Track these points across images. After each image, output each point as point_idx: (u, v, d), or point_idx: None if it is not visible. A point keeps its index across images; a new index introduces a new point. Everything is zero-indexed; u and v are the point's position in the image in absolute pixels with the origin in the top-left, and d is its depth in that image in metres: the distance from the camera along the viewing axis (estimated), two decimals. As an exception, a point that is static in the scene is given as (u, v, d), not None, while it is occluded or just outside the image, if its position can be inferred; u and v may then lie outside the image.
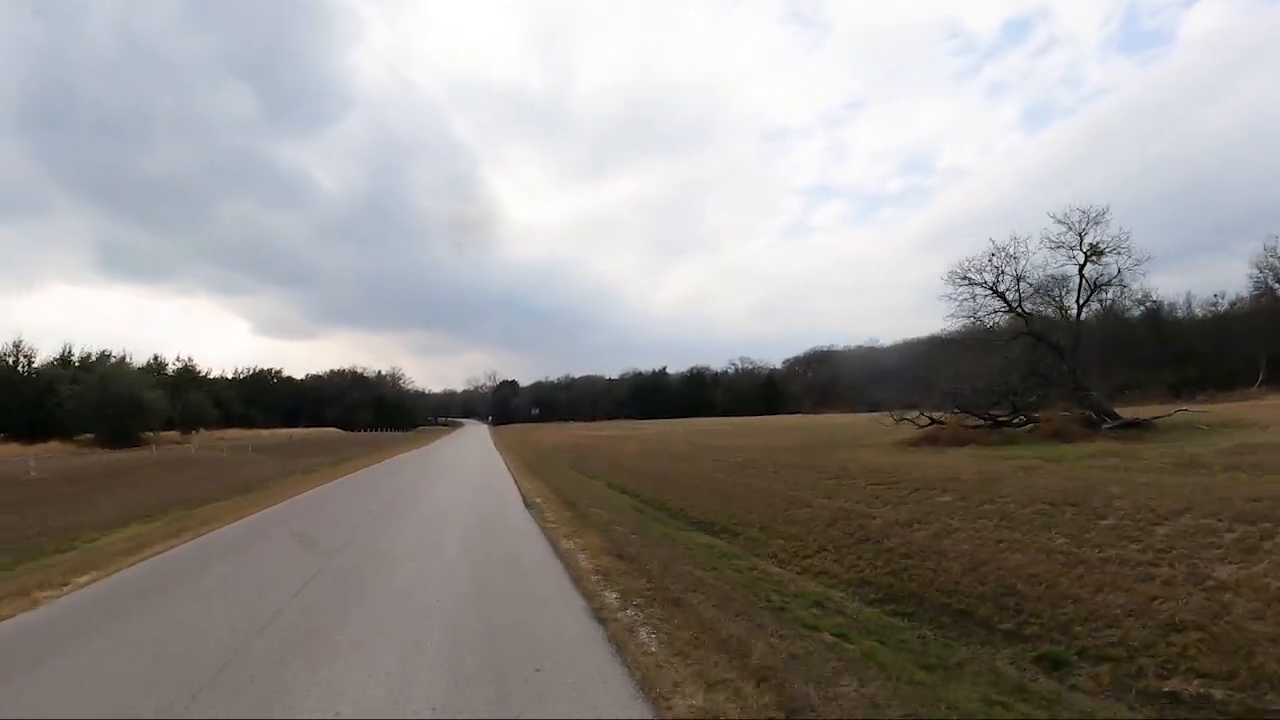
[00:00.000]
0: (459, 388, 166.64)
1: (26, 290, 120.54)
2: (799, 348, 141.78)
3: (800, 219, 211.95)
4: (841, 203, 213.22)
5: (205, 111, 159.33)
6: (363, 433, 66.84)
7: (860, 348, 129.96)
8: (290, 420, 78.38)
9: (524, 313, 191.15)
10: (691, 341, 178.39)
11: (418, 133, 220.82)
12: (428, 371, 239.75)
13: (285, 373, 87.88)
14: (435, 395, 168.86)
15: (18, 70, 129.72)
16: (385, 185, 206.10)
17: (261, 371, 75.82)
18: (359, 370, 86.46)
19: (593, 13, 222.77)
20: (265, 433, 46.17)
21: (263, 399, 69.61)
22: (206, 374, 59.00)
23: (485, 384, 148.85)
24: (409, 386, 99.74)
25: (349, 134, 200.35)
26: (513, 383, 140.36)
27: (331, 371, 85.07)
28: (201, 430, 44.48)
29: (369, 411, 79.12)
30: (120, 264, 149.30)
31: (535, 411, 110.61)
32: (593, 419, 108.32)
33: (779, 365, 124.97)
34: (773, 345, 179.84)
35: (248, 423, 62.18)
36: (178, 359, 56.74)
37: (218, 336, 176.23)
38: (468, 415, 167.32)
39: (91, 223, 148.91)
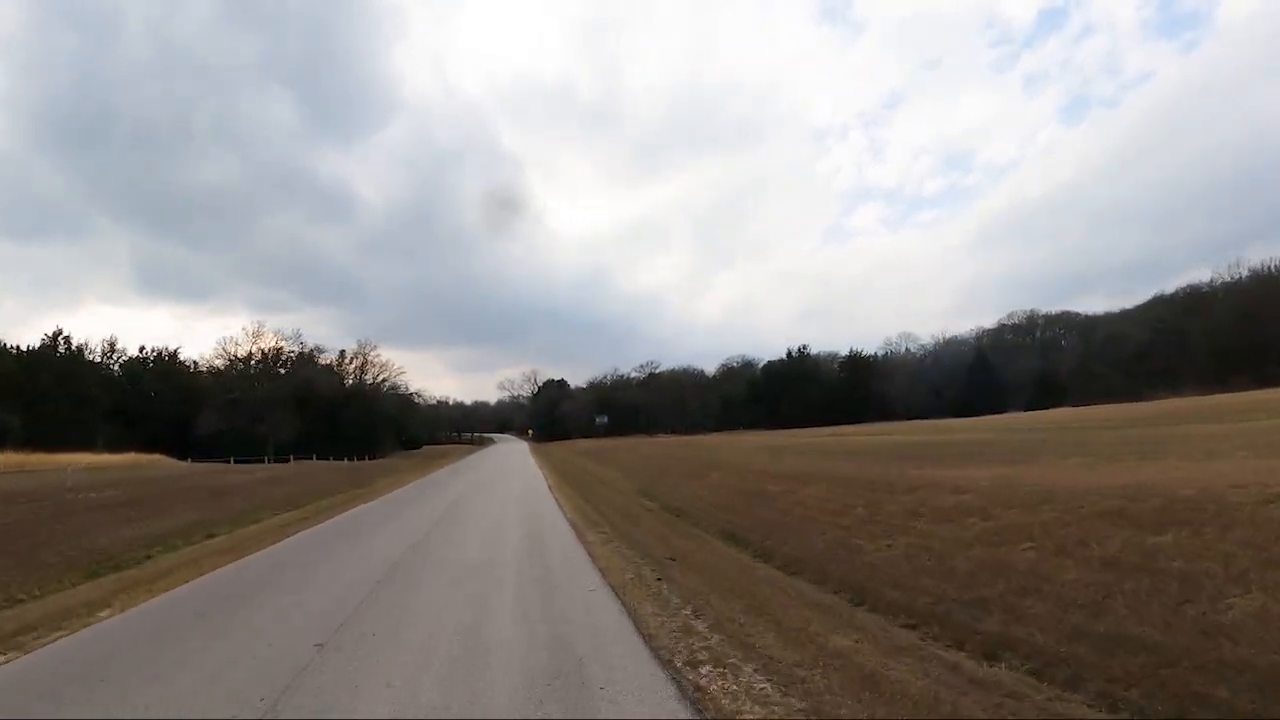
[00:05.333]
0: (494, 399, 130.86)
1: (65, 310, 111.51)
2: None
3: (840, 220, 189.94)
4: (880, 204, 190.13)
5: (245, 121, 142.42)
6: (216, 466, 27.67)
7: (1091, 315, 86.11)
8: (177, 436, 40.54)
9: (569, 324, 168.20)
10: (739, 347, 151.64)
11: (462, 139, 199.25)
12: (470, 388, 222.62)
13: (186, 355, 50.49)
14: (465, 406, 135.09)
15: (53, 84, 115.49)
16: (429, 195, 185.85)
17: (54, 347, 37.54)
18: (275, 349, 46.68)
19: (635, 16, 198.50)
20: None
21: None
22: None
23: (523, 389, 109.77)
24: (400, 382, 60.12)
25: (392, 141, 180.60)
26: (561, 383, 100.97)
27: (233, 358, 45.57)
28: None
29: (288, 419, 39.95)
30: (159, 282, 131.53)
31: (602, 420, 70.51)
32: (689, 431, 67.81)
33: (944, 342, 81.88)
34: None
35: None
36: None
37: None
38: (503, 429, 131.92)
39: (129, 240, 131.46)
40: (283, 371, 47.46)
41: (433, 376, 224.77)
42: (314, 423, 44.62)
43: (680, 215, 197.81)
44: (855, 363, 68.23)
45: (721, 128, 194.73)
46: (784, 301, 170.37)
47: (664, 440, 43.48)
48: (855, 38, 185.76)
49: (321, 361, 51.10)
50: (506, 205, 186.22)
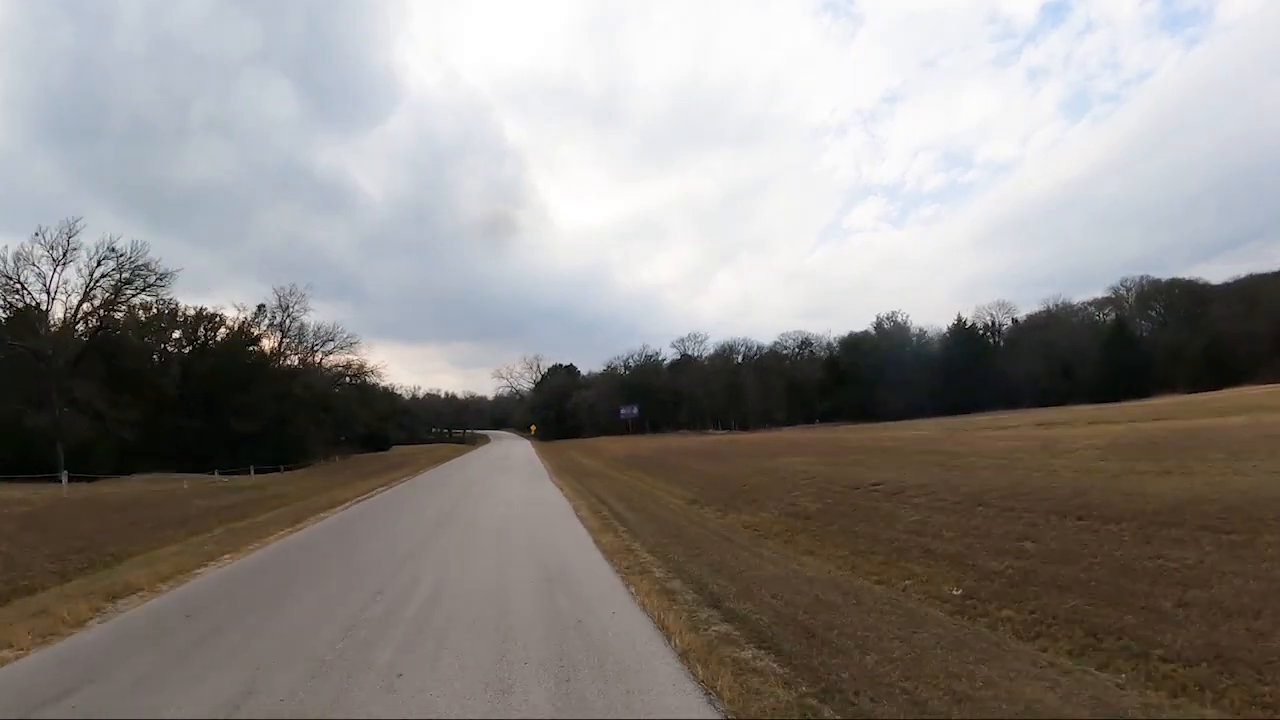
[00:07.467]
0: (492, 393, 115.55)
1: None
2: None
3: (838, 219, 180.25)
4: (881, 200, 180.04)
5: (243, 112, 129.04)
6: None
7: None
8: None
9: (571, 321, 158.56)
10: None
11: (464, 133, 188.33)
12: (472, 384, 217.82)
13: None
14: (457, 400, 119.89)
15: (46, 75, 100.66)
16: (429, 190, 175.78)
17: None
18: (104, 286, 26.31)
19: (639, 12, 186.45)
20: None
21: None
22: None
23: (523, 379, 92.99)
24: (352, 359, 42.91)
25: (393, 135, 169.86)
26: (569, 368, 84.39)
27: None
28: None
29: (132, 406, 22.62)
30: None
31: (630, 412, 53.69)
32: (747, 426, 51.19)
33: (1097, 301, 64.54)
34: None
35: None
36: None
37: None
38: (500, 426, 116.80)
39: (126, 234, 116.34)
40: (166, 335, 30.60)
41: (434, 373, 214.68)
42: (201, 413, 27.87)
43: (682, 211, 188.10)
44: (965, 336, 51.59)
45: (724, 124, 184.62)
46: (785, 300, 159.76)
47: (773, 439, 26.55)
48: (856, 31, 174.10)
49: (229, 317, 33.87)
50: (509, 203, 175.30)
